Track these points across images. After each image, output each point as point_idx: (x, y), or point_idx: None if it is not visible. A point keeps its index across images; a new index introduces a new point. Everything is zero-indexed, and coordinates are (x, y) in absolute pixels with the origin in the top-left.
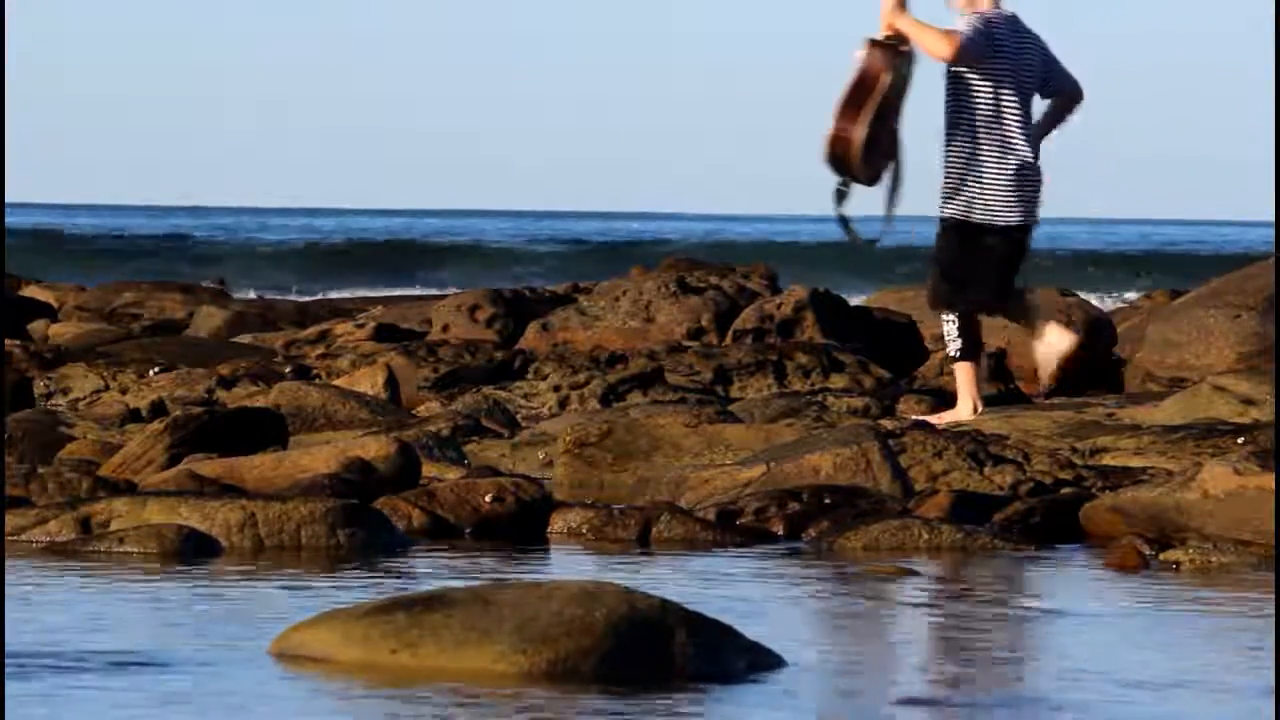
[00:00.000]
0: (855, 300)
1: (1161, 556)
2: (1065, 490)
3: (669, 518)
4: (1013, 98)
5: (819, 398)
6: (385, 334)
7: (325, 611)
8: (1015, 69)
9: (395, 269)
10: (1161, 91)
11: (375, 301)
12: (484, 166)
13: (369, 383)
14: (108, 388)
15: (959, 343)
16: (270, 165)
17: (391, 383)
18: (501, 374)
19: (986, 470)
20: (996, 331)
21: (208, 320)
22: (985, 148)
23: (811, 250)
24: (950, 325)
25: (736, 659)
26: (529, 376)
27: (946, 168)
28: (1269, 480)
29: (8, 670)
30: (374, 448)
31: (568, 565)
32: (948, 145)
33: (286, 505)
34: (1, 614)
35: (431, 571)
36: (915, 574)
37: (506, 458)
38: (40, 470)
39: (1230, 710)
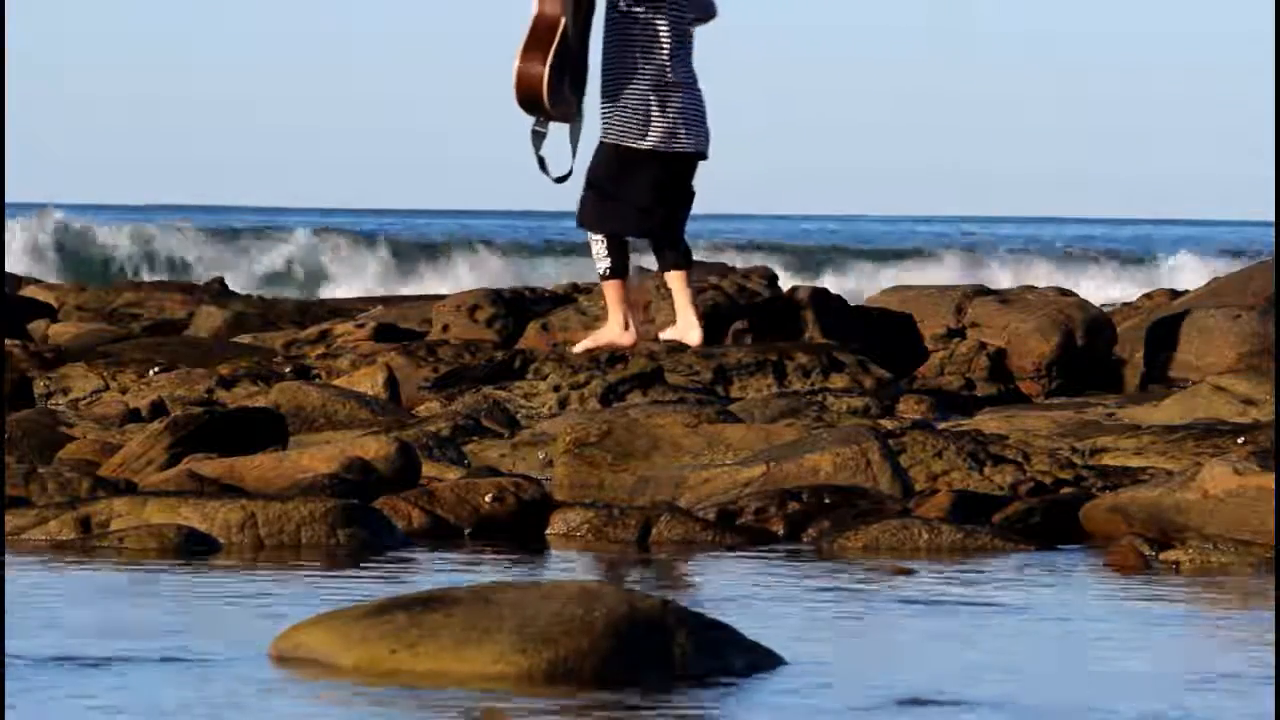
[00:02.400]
0: (855, 300)
1: (1161, 556)
2: (1065, 490)
3: (669, 518)
4: (669, 26)
5: (819, 398)
6: (385, 334)
7: (325, 612)
8: (674, 10)
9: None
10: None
11: (375, 301)
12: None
13: (369, 383)
14: (108, 388)
15: (608, 261)
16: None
17: (391, 383)
18: (501, 374)
19: (986, 470)
20: (997, 330)
21: (208, 320)
22: (647, 75)
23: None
24: (599, 245)
25: (736, 659)
26: (529, 376)
27: (609, 93)
28: (1269, 480)
29: (7, 670)
30: (374, 448)
31: (568, 565)
32: (610, 71)
33: (286, 505)
34: (1, 614)
35: (431, 571)
36: (915, 574)
37: (506, 458)
38: (40, 470)
39: (1230, 709)
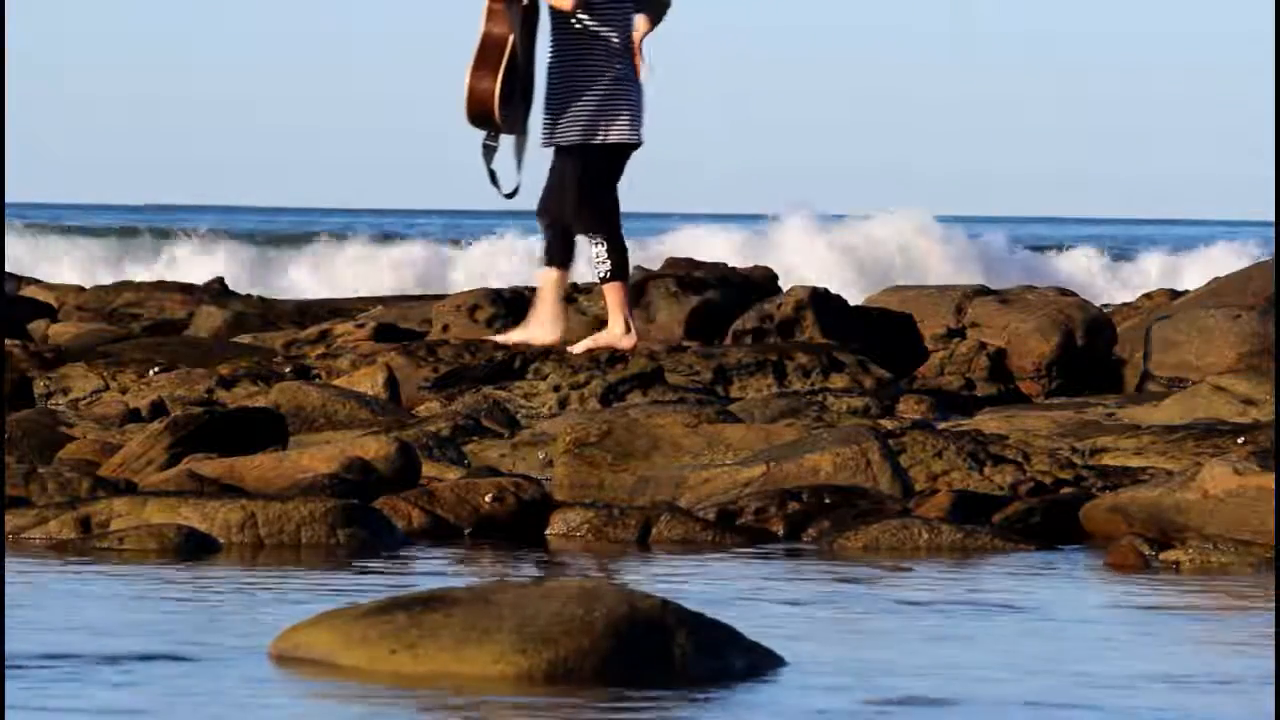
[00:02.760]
0: (855, 300)
1: (1161, 556)
2: (1065, 490)
3: (669, 518)
4: (614, 23)
5: (819, 398)
6: (385, 334)
7: (325, 612)
8: (620, 8)
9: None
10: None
11: (375, 301)
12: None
13: (369, 383)
14: (108, 387)
15: (608, 264)
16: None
17: (391, 383)
18: (501, 374)
19: (986, 470)
20: (997, 330)
21: (207, 320)
22: (601, 77)
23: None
24: (599, 248)
25: (736, 659)
26: (529, 376)
27: (559, 94)
28: (1269, 480)
29: (7, 670)
30: (374, 448)
31: (567, 565)
32: (558, 71)
33: (286, 505)
34: (1, 614)
35: (431, 571)
36: (915, 574)
37: (506, 458)
38: (40, 470)
39: (1230, 709)
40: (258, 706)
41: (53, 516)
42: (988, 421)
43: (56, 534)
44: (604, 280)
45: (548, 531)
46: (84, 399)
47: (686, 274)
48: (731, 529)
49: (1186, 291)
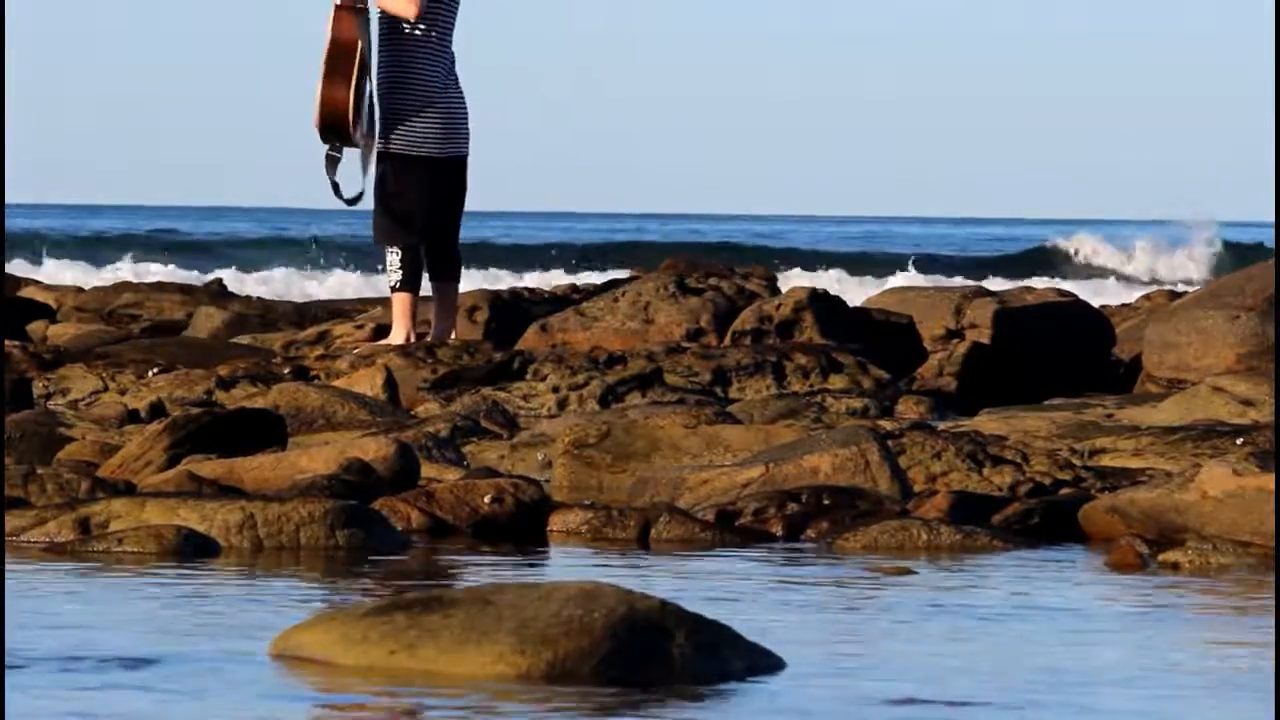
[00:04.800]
0: (855, 301)
1: (1160, 557)
2: (1064, 491)
3: (668, 518)
4: (444, 35)
5: (818, 399)
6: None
7: (324, 613)
8: (448, 8)
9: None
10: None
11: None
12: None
13: (368, 384)
14: (107, 388)
15: (399, 274)
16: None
17: (390, 384)
18: (500, 375)
19: (985, 471)
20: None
21: (206, 321)
22: (427, 85)
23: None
24: (393, 257)
25: (735, 660)
26: (528, 377)
27: (387, 103)
28: (1268, 481)
29: (7, 670)
30: (373, 449)
31: (567, 566)
32: (385, 81)
33: (285, 506)
34: (1, 614)
35: (431, 572)
36: (914, 575)
37: (505, 459)
38: (39, 471)
39: (1230, 710)
40: (257, 707)
41: (52, 518)
42: (987, 422)
43: (55, 535)
44: (394, 289)
45: (547, 532)
46: (83, 400)
47: (686, 274)
48: (730, 530)
49: (1186, 292)
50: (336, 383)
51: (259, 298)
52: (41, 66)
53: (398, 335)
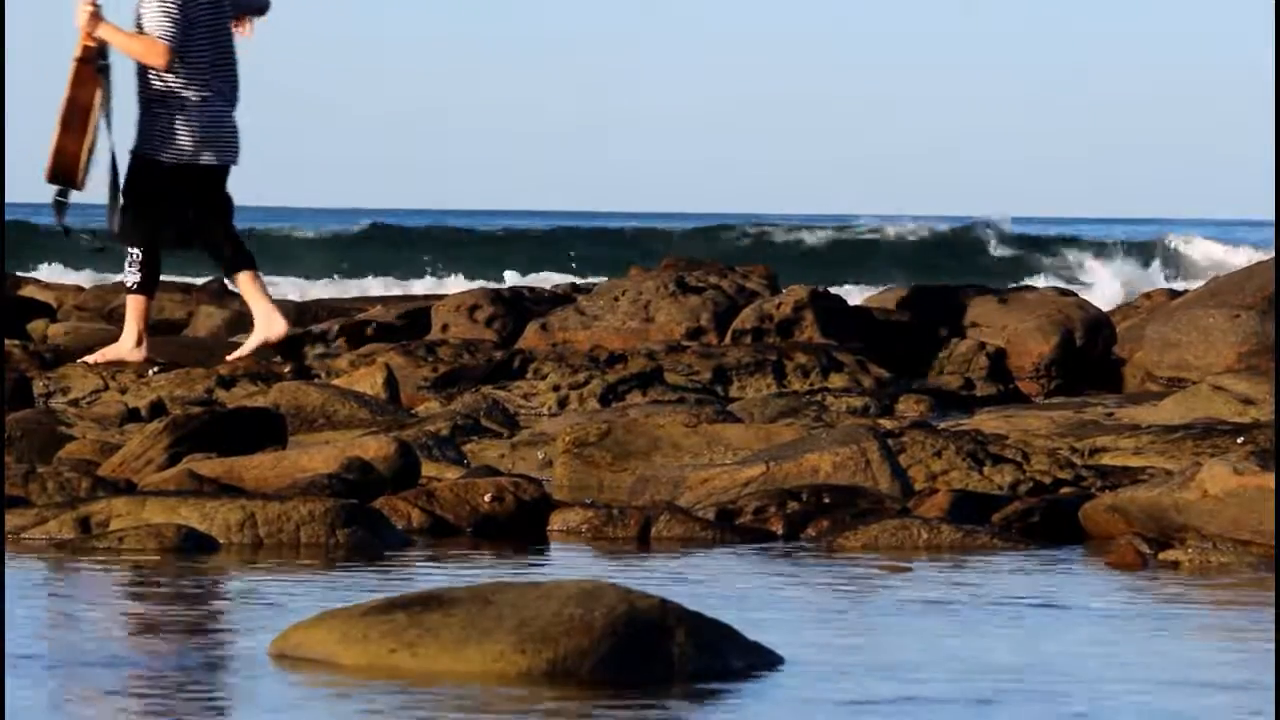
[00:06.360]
0: (855, 300)
1: (1161, 556)
2: (1065, 490)
3: (668, 517)
4: (202, 50)
5: (818, 397)
6: (384, 333)
7: (324, 611)
8: (212, 24)
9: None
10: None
11: (374, 301)
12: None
13: (368, 382)
14: (107, 387)
15: (137, 276)
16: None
17: (391, 382)
18: (501, 374)
19: (986, 470)
20: (997, 330)
21: (207, 320)
22: (172, 93)
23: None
24: (132, 258)
25: (736, 659)
26: (528, 376)
27: (142, 111)
28: (1268, 480)
29: (7, 670)
30: (373, 447)
31: (567, 565)
32: (143, 85)
33: (286, 505)
34: (1, 614)
35: (431, 571)
36: (914, 573)
37: (506, 457)
38: (39, 470)
39: (1229, 710)
40: (257, 706)
41: (52, 516)
42: (987, 421)
43: (56, 534)
44: (130, 290)
45: (547, 531)
46: (83, 399)
47: (685, 274)
48: (731, 528)
49: (1186, 291)
50: (337, 381)
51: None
52: (41, 66)
53: (129, 338)
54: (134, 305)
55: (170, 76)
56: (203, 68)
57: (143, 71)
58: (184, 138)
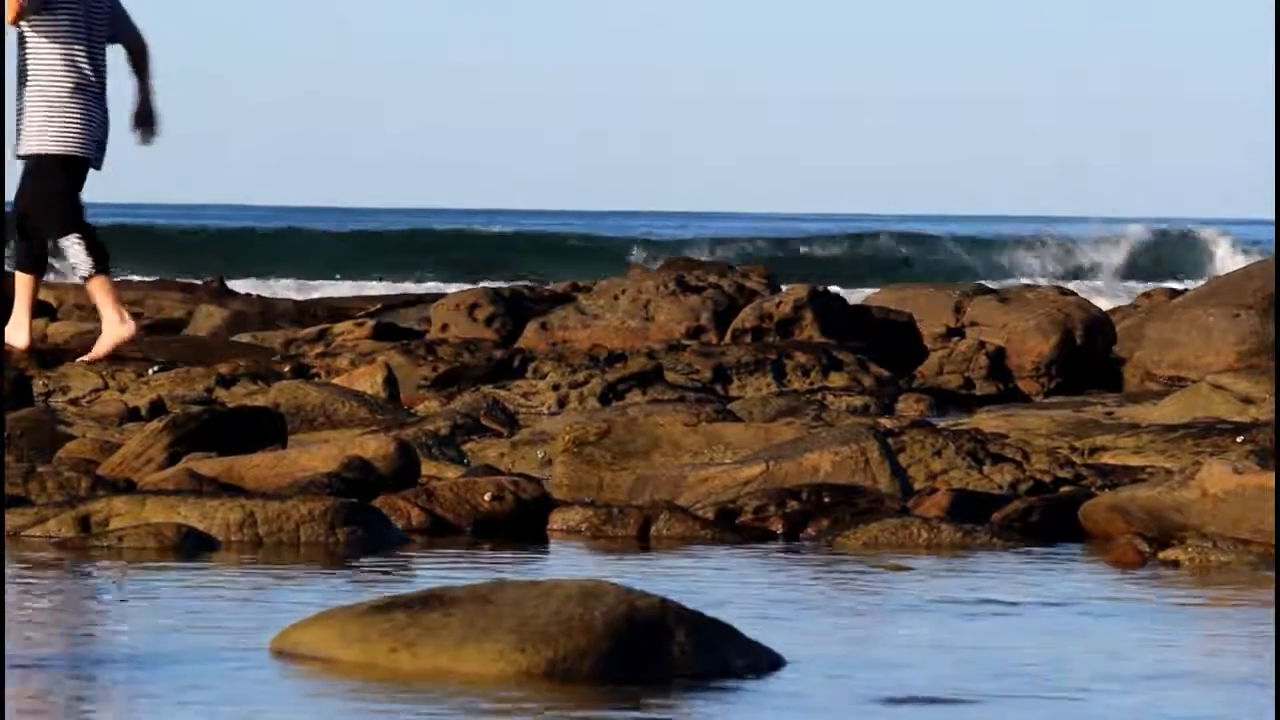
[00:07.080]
0: (855, 299)
1: (1160, 555)
2: (1064, 489)
3: (668, 516)
4: (79, 46)
5: (818, 396)
6: (384, 333)
7: (324, 610)
8: (85, 19)
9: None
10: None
11: (374, 300)
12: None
13: (368, 382)
14: (107, 386)
15: (88, 262)
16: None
17: (391, 381)
18: (501, 373)
19: (986, 469)
20: (997, 329)
21: (207, 319)
22: (47, 84)
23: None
24: (78, 248)
25: (736, 658)
26: (528, 375)
27: (22, 107)
28: (1268, 479)
29: (7, 670)
30: (373, 446)
31: (567, 564)
32: (21, 84)
33: (285, 504)
34: (1, 614)
35: (430, 570)
36: (914, 572)
37: (506, 457)
38: (39, 469)
39: (1229, 709)
40: (256, 706)
41: (52, 515)
42: (987, 420)
43: (56, 533)
44: (87, 279)
45: (547, 530)
46: (83, 398)
47: (685, 273)
48: (731, 528)
49: (1185, 290)
50: (337, 380)
51: (259, 295)
52: None
53: (111, 321)
54: (98, 290)
55: (48, 68)
56: (74, 59)
57: (26, 70)
58: (63, 127)
